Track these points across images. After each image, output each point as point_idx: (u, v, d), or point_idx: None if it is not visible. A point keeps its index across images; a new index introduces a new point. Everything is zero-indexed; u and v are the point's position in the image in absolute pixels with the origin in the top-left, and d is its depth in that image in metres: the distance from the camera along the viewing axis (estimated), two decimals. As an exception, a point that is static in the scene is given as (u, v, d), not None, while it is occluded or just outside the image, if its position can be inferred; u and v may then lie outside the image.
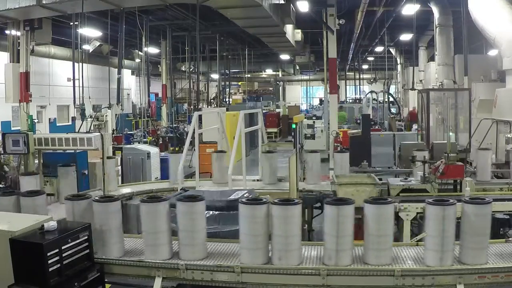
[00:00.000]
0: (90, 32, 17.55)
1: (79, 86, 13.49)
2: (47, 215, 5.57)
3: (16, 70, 10.47)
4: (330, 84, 16.32)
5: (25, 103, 10.61)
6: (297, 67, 39.06)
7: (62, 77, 23.43)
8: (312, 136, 17.92)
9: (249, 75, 36.54)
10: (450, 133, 12.15)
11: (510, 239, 5.58)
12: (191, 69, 27.27)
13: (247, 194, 6.33)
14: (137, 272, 5.35)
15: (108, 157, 8.91)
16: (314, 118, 22.51)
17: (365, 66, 39.06)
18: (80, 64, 13.72)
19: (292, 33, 20.11)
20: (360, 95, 36.60)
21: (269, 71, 41.06)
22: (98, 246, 5.41)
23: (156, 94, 30.38)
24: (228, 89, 33.64)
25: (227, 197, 6.21)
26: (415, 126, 17.50)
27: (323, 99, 24.49)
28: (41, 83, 21.63)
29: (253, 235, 5.06)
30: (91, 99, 15.24)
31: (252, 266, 5.10)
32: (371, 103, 23.15)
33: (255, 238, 5.06)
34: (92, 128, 12.58)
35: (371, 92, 23.98)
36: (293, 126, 10.02)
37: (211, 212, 5.97)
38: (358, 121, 19.04)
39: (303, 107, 44.76)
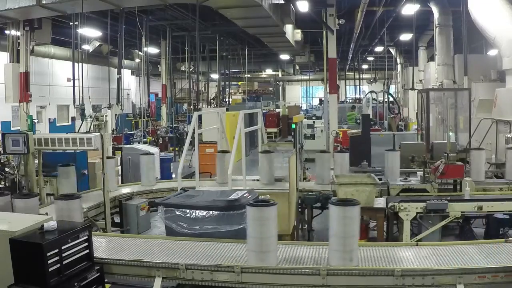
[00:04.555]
0: (90, 32, 17.56)
1: (79, 86, 13.50)
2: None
3: (16, 70, 10.47)
4: (330, 84, 16.34)
5: (25, 103, 10.60)
6: (297, 67, 39.09)
7: (62, 77, 23.43)
8: (312, 136, 17.90)
9: (249, 75, 36.55)
10: (450, 133, 12.13)
11: (510, 239, 5.57)
12: (191, 69, 27.27)
13: (247, 194, 6.30)
14: (137, 272, 5.33)
15: (108, 157, 8.92)
16: (314, 118, 22.47)
17: (365, 66, 39.05)
18: (80, 64, 13.73)
19: (292, 33, 20.11)
20: (360, 95, 36.58)
21: (269, 71, 41.06)
22: (255, 254, 5.16)
23: (156, 94, 30.38)
24: (228, 89, 33.62)
25: (227, 197, 6.18)
26: (414, 126, 17.46)
27: (323, 99, 24.45)
28: (41, 83, 21.64)
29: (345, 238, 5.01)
30: (91, 99, 15.24)
31: (252, 266, 5.10)
32: (371, 103, 23.10)
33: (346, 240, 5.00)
34: (92, 128, 12.54)
35: (371, 92, 23.96)
36: (293, 126, 9.99)
37: (211, 212, 5.95)
38: (358, 121, 19.00)
39: (303, 107, 44.73)
